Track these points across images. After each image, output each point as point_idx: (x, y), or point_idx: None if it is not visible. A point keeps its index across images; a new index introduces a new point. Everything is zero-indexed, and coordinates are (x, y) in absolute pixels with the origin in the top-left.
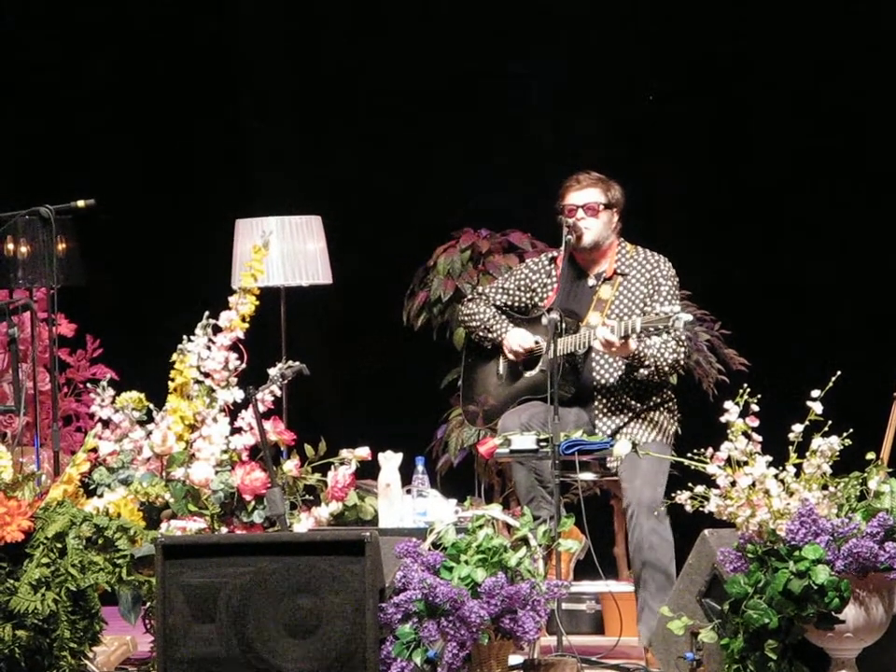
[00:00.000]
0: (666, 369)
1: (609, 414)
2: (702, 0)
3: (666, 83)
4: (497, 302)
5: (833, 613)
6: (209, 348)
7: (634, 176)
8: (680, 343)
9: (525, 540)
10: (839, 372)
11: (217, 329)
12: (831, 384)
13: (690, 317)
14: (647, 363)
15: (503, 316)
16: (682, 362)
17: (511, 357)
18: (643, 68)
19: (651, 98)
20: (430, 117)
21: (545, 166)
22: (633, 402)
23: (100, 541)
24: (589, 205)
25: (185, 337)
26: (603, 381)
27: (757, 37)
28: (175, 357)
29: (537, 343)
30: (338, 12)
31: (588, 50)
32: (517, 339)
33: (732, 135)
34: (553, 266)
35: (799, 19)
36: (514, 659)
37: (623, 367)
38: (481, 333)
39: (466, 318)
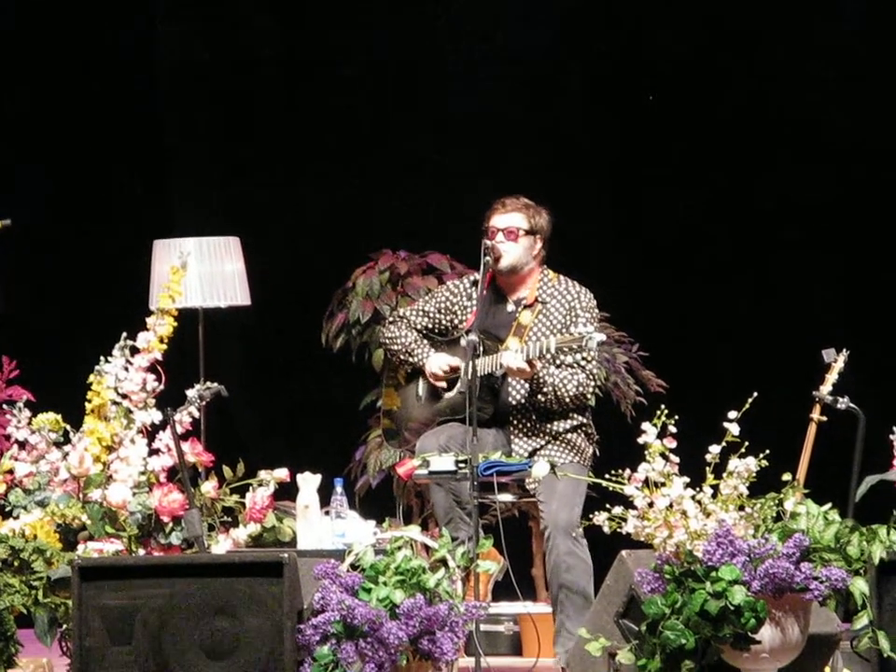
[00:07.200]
0: (567, 400)
1: (525, 437)
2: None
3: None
4: (417, 325)
5: (749, 634)
6: (127, 369)
7: (557, 199)
8: (591, 378)
9: (443, 562)
10: (755, 394)
11: (134, 351)
12: (747, 405)
13: (602, 337)
14: (545, 390)
15: (424, 340)
16: (590, 395)
17: (432, 381)
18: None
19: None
20: (350, 136)
21: (466, 189)
22: (549, 424)
23: (16, 563)
24: (509, 229)
25: (102, 358)
26: (519, 403)
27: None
28: (92, 378)
29: (457, 366)
30: (261, 32)
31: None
32: (438, 363)
33: (655, 158)
34: (473, 289)
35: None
36: None
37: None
38: (402, 357)
39: (387, 342)
